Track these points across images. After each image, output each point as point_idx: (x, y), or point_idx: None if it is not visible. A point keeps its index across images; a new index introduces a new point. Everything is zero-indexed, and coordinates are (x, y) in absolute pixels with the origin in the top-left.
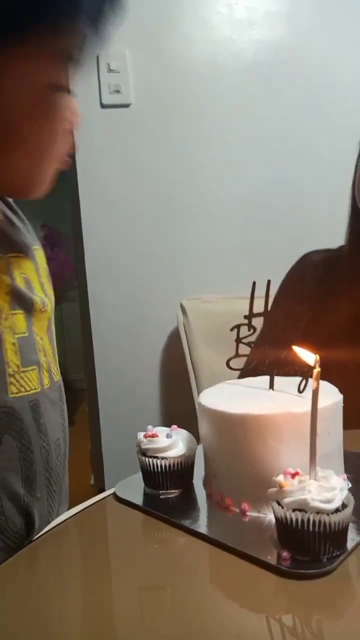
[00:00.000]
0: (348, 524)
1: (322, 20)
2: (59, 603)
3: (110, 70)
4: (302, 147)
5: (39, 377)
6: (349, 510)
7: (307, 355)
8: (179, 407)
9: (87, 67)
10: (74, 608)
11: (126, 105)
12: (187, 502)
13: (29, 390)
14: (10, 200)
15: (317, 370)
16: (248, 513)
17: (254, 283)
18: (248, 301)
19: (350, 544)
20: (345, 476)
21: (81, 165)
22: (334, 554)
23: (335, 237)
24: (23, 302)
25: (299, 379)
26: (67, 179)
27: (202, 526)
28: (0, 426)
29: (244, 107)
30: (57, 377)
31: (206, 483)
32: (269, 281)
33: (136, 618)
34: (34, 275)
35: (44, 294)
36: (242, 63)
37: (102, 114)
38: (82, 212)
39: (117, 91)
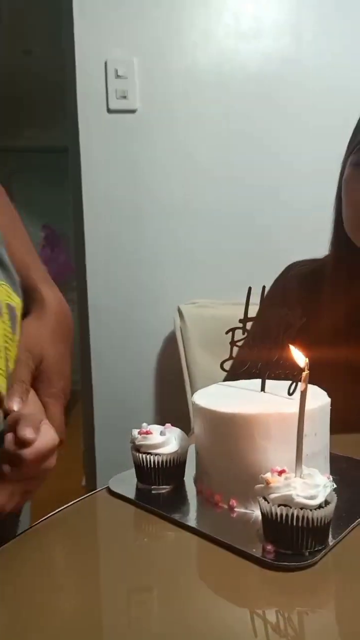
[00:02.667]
0: (330, 520)
1: (326, 32)
2: (46, 597)
3: (117, 76)
4: (304, 158)
5: None
6: (331, 507)
7: (299, 356)
8: (173, 411)
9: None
10: (62, 601)
11: (132, 111)
12: (178, 497)
13: None
14: None
15: (305, 372)
16: (236, 509)
17: (250, 289)
18: (243, 306)
19: (331, 540)
20: (329, 476)
21: (85, 168)
22: (316, 549)
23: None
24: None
25: (289, 382)
26: (70, 180)
27: (191, 520)
28: None
29: (247, 116)
30: None
31: (197, 480)
32: (264, 287)
33: (124, 610)
34: None
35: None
36: (247, 73)
37: (108, 118)
38: (85, 214)
39: (124, 97)
